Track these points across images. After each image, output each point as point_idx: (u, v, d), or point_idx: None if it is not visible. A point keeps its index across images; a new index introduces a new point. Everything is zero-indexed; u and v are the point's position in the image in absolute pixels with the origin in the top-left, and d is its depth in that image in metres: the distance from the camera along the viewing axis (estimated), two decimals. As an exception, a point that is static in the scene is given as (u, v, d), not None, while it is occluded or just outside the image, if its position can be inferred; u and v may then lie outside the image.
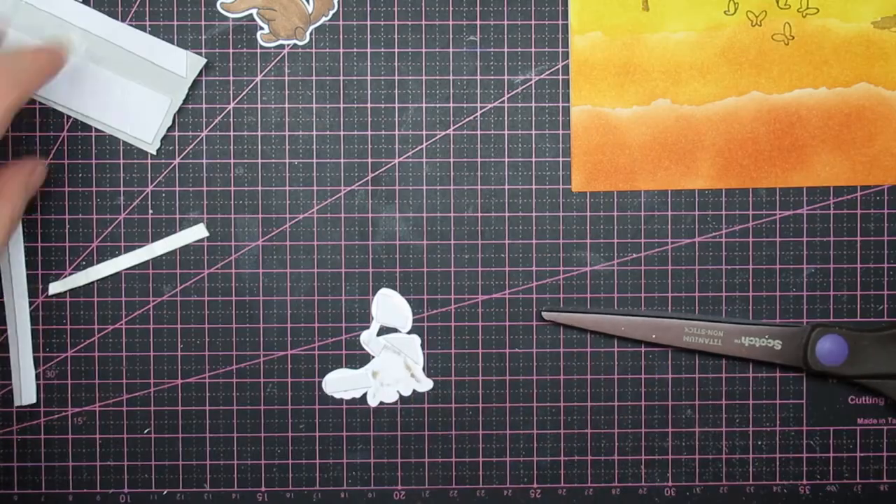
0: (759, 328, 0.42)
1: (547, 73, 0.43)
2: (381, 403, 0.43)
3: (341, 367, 0.43)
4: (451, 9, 0.43)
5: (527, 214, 0.43)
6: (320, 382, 0.43)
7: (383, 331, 0.43)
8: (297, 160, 0.43)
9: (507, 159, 0.43)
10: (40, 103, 0.42)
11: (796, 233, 0.43)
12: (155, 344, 0.43)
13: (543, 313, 0.43)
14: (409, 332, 0.43)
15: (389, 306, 0.43)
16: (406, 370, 0.43)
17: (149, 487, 0.43)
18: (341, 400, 0.43)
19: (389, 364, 0.43)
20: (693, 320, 0.43)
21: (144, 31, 0.43)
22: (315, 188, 0.43)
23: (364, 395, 0.43)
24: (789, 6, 0.43)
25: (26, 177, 0.40)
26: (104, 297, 0.43)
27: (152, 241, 0.43)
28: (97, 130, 0.43)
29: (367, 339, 0.43)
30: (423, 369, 0.43)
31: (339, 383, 0.43)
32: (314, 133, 0.43)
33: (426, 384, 0.43)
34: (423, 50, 0.43)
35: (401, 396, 0.43)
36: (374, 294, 0.43)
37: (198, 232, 0.43)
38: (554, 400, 0.43)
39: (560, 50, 0.43)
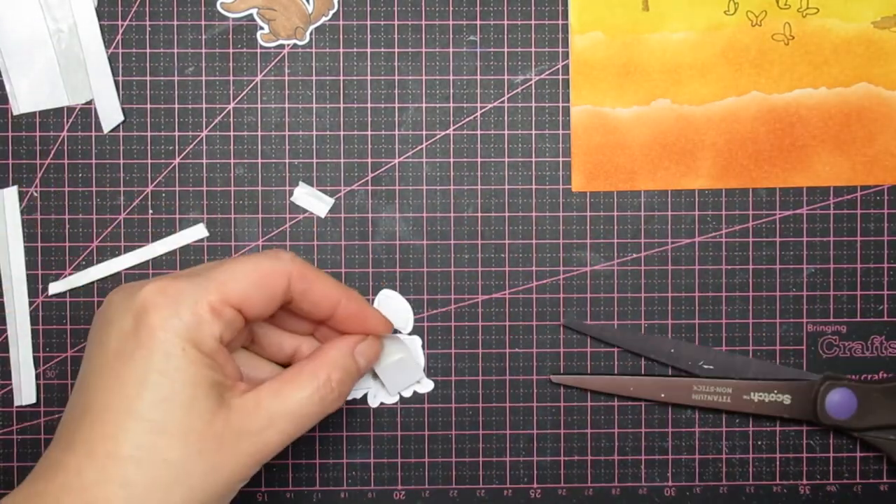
0: (768, 383, 0.42)
1: (547, 73, 0.43)
2: (382, 404, 0.43)
3: (341, 367, 0.43)
4: (451, 9, 0.43)
5: (527, 214, 0.43)
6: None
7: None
8: (297, 160, 0.43)
9: (507, 159, 0.43)
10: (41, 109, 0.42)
11: (796, 233, 0.43)
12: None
13: (552, 377, 0.43)
14: (409, 334, 0.43)
15: (391, 307, 0.43)
16: (410, 372, 0.43)
17: (149, 487, 0.43)
18: (341, 400, 0.43)
19: (393, 366, 0.43)
20: (701, 377, 0.43)
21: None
22: (315, 188, 0.43)
23: (364, 396, 0.43)
24: (789, 6, 0.43)
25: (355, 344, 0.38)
26: (104, 297, 0.43)
27: (152, 241, 0.43)
28: (97, 130, 0.43)
29: (367, 339, 0.43)
30: (424, 370, 0.43)
31: (339, 383, 0.43)
32: (314, 133, 0.43)
33: (427, 385, 0.43)
34: (423, 50, 0.43)
35: (401, 397, 0.43)
36: (374, 294, 0.43)
37: (198, 232, 0.43)
38: (554, 400, 0.43)
39: (560, 50, 0.43)
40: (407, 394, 0.43)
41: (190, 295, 0.34)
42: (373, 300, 0.43)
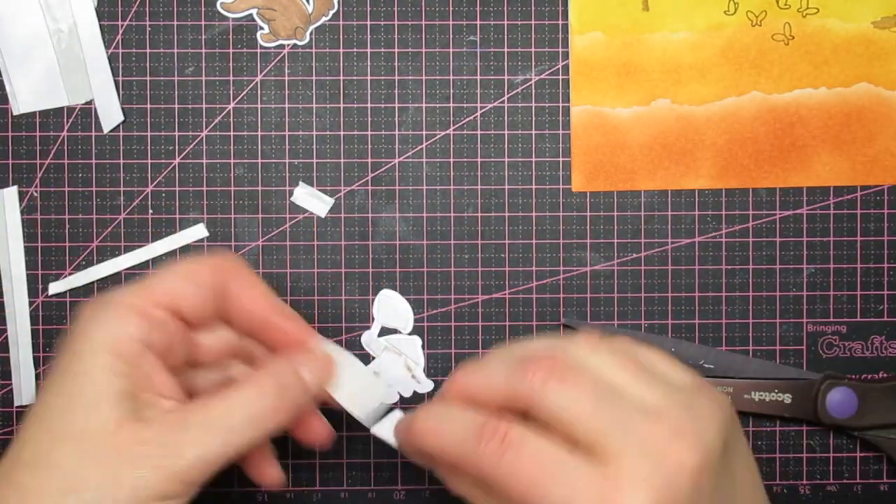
0: (769, 383, 0.42)
1: (547, 73, 0.43)
2: (381, 404, 0.43)
3: (341, 367, 0.43)
4: (451, 9, 0.43)
5: (527, 214, 0.43)
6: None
7: (384, 332, 0.43)
8: (297, 160, 0.43)
9: (507, 159, 0.43)
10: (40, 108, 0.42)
11: (796, 233, 0.43)
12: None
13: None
14: (410, 334, 0.43)
15: (390, 307, 0.43)
16: (407, 371, 0.43)
17: (149, 487, 0.43)
18: (341, 400, 0.43)
19: (390, 365, 0.43)
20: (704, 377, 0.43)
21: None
22: (315, 188, 0.43)
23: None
24: (789, 6, 0.43)
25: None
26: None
27: (152, 241, 0.43)
28: (97, 130, 0.43)
29: (368, 339, 0.43)
30: (424, 370, 0.43)
31: (340, 383, 0.43)
32: (314, 133, 0.43)
33: (426, 385, 0.43)
34: (423, 50, 0.43)
35: (401, 397, 0.43)
36: (374, 294, 0.43)
37: (198, 232, 0.43)
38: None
39: (560, 50, 0.43)
40: (407, 393, 0.43)
41: (116, 299, 0.33)
42: (373, 300, 0.43)
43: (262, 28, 0.43)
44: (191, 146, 0.43)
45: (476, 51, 0.43)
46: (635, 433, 0.29)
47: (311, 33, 0.43)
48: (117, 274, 0.43)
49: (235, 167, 0.43)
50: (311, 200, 0.43)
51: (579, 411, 0.30)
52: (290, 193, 0.43)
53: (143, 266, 0.43)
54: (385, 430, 0.37)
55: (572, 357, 0.32)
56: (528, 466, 0.30)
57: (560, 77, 0.43)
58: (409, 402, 0.43)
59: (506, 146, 0.43)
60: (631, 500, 0.28)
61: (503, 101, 0.43)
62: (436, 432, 0.32)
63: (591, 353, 0.32)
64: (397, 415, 0.37)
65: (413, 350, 0.43)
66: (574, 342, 0.33)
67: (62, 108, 0.43)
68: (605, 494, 0.29)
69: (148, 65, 0.43)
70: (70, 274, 0.43)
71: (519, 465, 0.30)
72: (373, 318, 0.43)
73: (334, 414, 0.43)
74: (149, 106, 0.43)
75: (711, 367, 0.43)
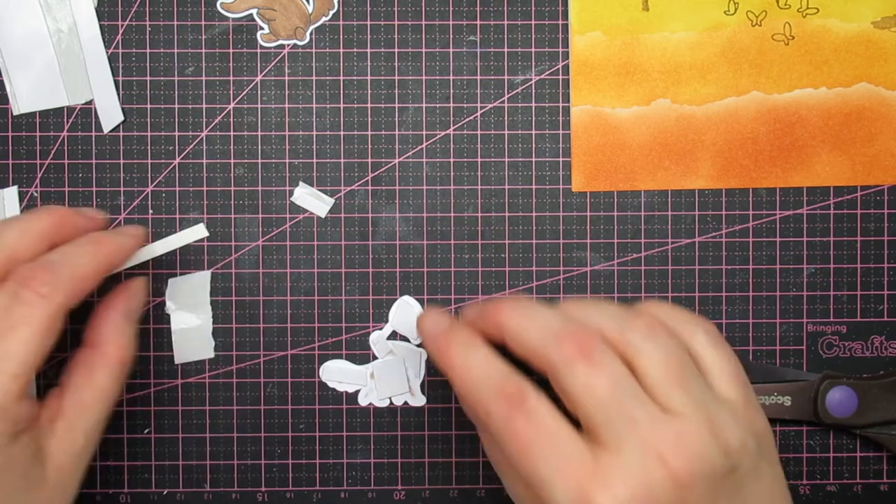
0: (768, 386, 0.42)
1: (547, 73, 0.43)
2: (371, 405, 0.43)
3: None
4: (451, 9, 0.43)
5: (527, 214, 0.43)
6: (320, 382, 0.43)
7: (393, 335, 0.43)
8: (297, 160, 0.43)
9: (507, 159, 0.43)
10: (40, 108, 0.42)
11: (796, 233, 0.43)
12: (154, 344, 0.43)
13: None
14: (418, 345, 0.43)
15: (408, 315, 0.43)
16: (405, 380, 0.43)
17: (149, 487, 0.43)
18: (341, 400, 0.43)
19: (390, 370, 0.43)
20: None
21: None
22: (315, 188, 0.43)
23: (357, 393, 0.43)
24: (789, 6, 0.43)
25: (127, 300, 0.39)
26: (103, 297, 0.43)
27: (152, 242, 0.43)
28: (97, 130, 0.43)
29: (377, 339, 0.43)
30: (423, 385, 0.43)
31: (337, 373, 0.43)
32: (314, 133, 0.43)
33: (419, 400, 0.43)
34: (423, 50, 0.43)
35: (391, 402, 0.43)
36: (376, 294, 0.43)
37: (198, 232, 0.43)
38: (554, 398, 0.43)
39: (560, 50, 0.43)
40: (398, 402, 0.43)
41: None
42: (374, 300, 0.43)
43: (262, 28, 0.43)
44: (191, 146, 0.43)
45: (476, 51, 0.43)
46: (639, 431, 0.30)
47: (311, 33, 0.43)
48: (117, 274, 0.43)
49: (235, 167, 0.43)
50: (311, 200, 0.43)
51: (593, 397, 0.31)
52: (290, 193, 0.43)
53: (144, 266, 0.43)
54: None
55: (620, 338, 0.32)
56: (529, 433, 0.31)
57: (560, 77, 0.43)
58: (402, 412, 0.43)
59: (506, 146, 0.43)
60: (605, 492, 0.29)
61: (503, 101, 0.43)
62: (462, 368, 0.33)
63: (643, 341, 0.32)
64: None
65: (416, 362, 0.43)
66: (632, 325, 0.33)
67: (62, 108, 0.43)
68: (585, 480, 0.29)
69: (148, 65, 0.43)
70: (70, 274, 0.43)
71: (521, 430, 0.31)
72: (388, 320, 0.43)
73: (333, 413, 0.43)
74: (149, 106, 0.43)
75: None
